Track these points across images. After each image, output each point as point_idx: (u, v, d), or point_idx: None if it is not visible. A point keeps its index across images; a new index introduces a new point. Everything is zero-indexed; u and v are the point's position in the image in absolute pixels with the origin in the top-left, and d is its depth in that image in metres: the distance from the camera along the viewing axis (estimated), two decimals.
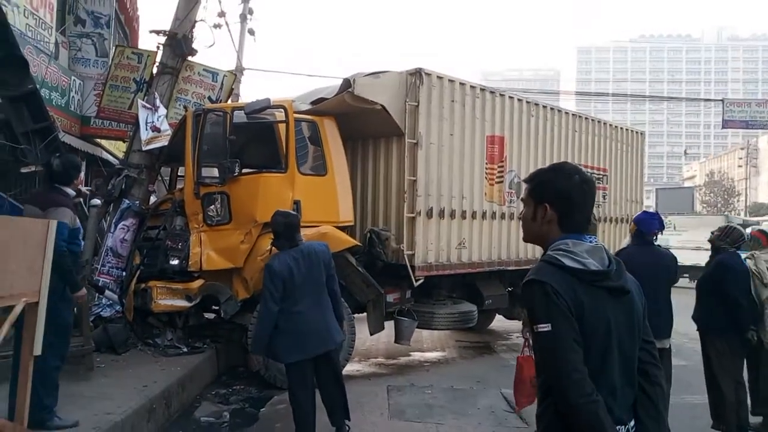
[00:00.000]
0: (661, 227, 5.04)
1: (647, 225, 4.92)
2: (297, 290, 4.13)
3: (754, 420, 5.02)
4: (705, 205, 53.01)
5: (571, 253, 1.73)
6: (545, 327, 1.64)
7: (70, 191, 4.18)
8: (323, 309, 4.30)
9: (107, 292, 6.36)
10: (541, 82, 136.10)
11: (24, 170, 6.49)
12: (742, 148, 51.40)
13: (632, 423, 1.76)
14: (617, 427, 1.66)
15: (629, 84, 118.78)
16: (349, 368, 6.72)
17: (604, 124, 10.42)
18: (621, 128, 10.81)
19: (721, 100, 19.85)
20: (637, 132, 11.24)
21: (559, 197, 1.80)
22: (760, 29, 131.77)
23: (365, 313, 7.02)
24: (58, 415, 3.83)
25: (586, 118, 9.96)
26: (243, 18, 17.69)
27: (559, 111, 9.35)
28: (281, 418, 5.06)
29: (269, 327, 4.10)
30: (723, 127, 20.09)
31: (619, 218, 10.48)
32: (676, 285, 5.04)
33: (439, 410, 5.41)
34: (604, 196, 10.21)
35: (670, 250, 6.62)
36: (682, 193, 45.56)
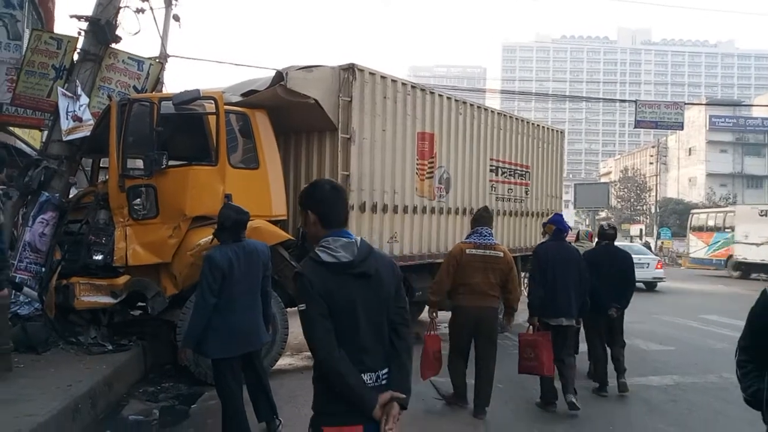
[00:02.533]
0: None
1: (563, 225, 6.05)
2: (234, 286, 4.13)
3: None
4: (619, 200, 56.14)
5: (329, 249, 2.25)
6: (302, 307, 2.22)
7: None
8: (255, 309, 4.33)
9: (25, 289, 6.07)
10: (468, 79, 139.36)
11: None
12: (653, 146, 54.67)
13: (385, 370, 2.29)
14: (369, 374, 2.24)
15: (551, 83, 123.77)
16: (282, 362, 6.76)
17: (527, 122, 10.90)
18: (543, 127, 11.35)
19: (635, 101, 21.16)
20: (557, 131, 11.82)
21: (316, 203, 2.33)
22: (670, 35, 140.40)
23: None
24: None
25: (510, 117, 10.39)
26: (168, 3, 17.07)
27: (486, 109, 9.71)
28: (212, 414, 5.01)
29: (204, 320, 4.07)
30: (635, 127, 21.41)
31: (540, 212, 11.00)
32: None
33: None
34: (526, 192, 10.69)
35: None
36: (598, 189, 47.96)
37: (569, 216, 72.98)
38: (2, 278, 4.21)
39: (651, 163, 54.36)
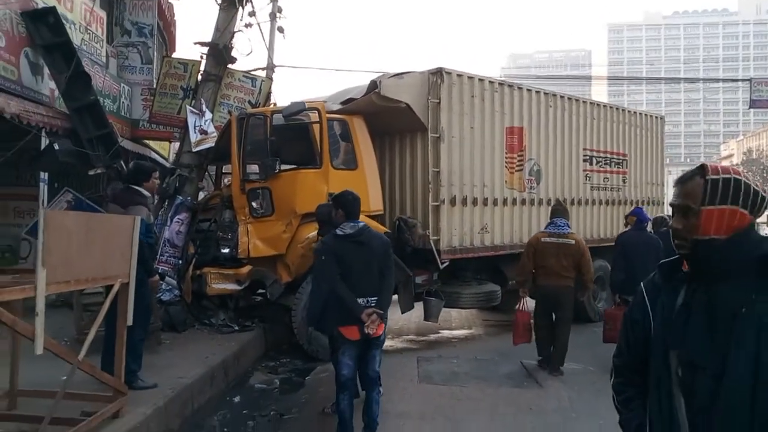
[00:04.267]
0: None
1: (643, 216, 6.99)
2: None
3: None
4: None
5: (342, 228, 4.13)
6: (323, 257, 4.16)
7: (146, 192, 4.94)
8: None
9: (167, 279, 7.15)
10: (572, 63, 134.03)
11: (91, 172, 7.35)
12: None
13: (374, 297, 4.08)
14: (362, 298, 4.03)
15: (663, 63, 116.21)
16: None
17: (623, 110, 10.80)
18: (639, 114, 11.18)
19: (749, 80, 19.77)
20: (655, 117, 11.56)
21: (342, 204, 4.23)
22: None
23: (396, 294, 7.70)
24: (141, 378, 4.61)
25: (604, 106, 10.38)
26: (272, 17, 18.32)
27: (577, 100, 9.78)
28: (324, 384, 5.78)
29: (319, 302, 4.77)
30: (750, 107, 20.00)
31: (640, 200, 10.86)
32: None
33: (463, 376, 6.07)
34: (624, 180, 10.61)
35: None
36: None
37: None
38: (153, 267, 5.15)
39: None
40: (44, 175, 8.06)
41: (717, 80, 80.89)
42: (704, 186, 1.57)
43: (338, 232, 4.15)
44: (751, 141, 64.80)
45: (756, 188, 1.57)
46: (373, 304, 4.07)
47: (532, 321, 6.61)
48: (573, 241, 6.28)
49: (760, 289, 1.47)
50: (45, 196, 8.30)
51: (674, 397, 1.55)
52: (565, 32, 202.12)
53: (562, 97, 9.52)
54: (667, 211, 17.32)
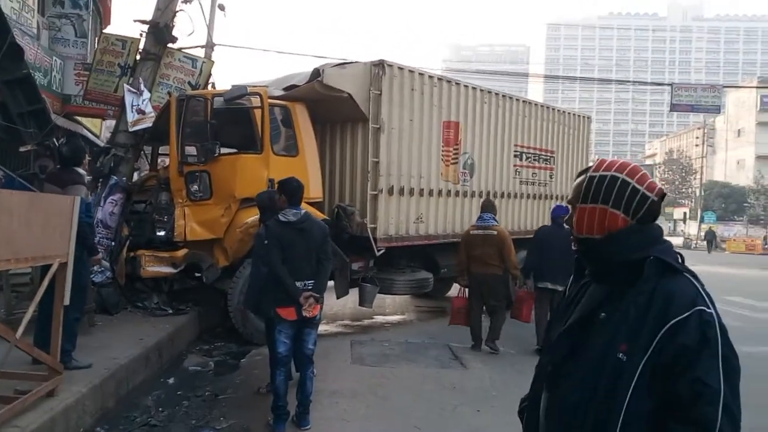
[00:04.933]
0: (566, 213, 7.09)
1: (557, 212, 7.28)
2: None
3: None
4: (663, 183, 55.24)
5: (285, 215, 4.36)
6: (266, 242, 4.31)
7: (82, 171, 4.91)
8: None
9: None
10: (512, 58, 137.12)
11: (22, 149, 7.14)
12: (699, 128, 53.38)
13: (312, 281, 4.35)
14: (300, 282, 4.27)
15: (597, 61, 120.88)
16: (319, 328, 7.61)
17: (553, 109, 11.38)
18: (568, 113, 11.80)
19: (670, 85, 21.11)
20: (583, 116, 12.23)
21: (287, 193, 4.40)
22: (724, 10, 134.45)
23: (333, 280, 7.90)
24: (75, 358, 4.63)
25: (535, 104, 10.89)
26: None
27: (511, 98, 10.23)
28: (259, 367, 5.93)
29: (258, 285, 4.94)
30: (670, 110, 21.35)
31: (565, 195, 11.49)
32: None
33: (394, 359, 6.39)
34: (551, 176, 11.20)
35: None
36: None
37: None
38: (94, 246, 5.13)
39: (697, 145, 53.14)
40: None
41: (644, 83, 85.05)
42: (583, 183, 1.53)
43: (281, 218, 4.38)
44: (673, 142, 68.69)
45: (637, 187, 1.47)
46: (310, 287, 4.33)
47: (465, 305, 7.21)
48: (495, 232, 6.99)
49: (623, 297, 1.43)
50: None
51: (541, 392, 1.58)
52: (508, 26, 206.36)
53: (497, 94, 9.93)
54: None
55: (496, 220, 7.26)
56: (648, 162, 64.11)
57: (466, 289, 7.24)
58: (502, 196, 9.93)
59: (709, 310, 1.36)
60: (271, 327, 5.06)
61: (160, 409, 4.78)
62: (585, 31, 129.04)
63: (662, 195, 1.50)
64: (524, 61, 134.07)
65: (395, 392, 5.27)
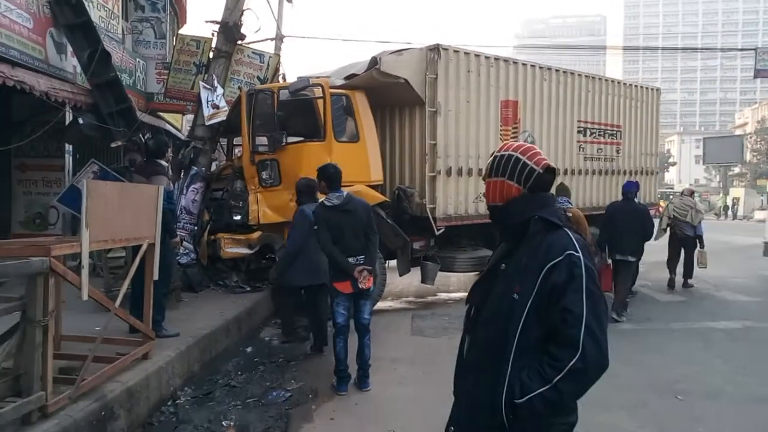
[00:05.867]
0: (637, 189, 8.22)
1: (627, 187, 7.95)
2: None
3: None
4: (755, 154, 51.69)
5: (329, 199, 4.77)
6: (315, 227, 4.80)
7: (164, 163, 5.52)
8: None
9: (184, 243, 7.79)
10: (587, 29, 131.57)
11: (113, 145, 7.94)
12: None
13: (362, 256, 4.73)
14: (352, 258, 4.69)
15: (681, 28, 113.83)
16: (381, 305, 8.06)
17: (618, 83, 11.17)
18: (635, 86, 11.52)
19: (755, 50, 19.81)
20: (651, 89, 11.89)
21: (326, 179, 4.86)
22: None
23: (395, 259, 8.30)
24: (165, 328, 5.27)
25: (599, 79, 10.74)
26: None
27: (572, 74, 10.16)
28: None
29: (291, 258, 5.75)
30: (754, 77, 20.07)
31: (633, 171, 11.30)
32: None
33: (452, 330, 6.69)
34: (617, 151, 11.04)
35: None
36: (730, 142, 44.50)
37: (698, 172, 68.12)
38: (174, 229, 5.77)
39: None
40: (69, 148, 8.67)
41: (731, 50, 79.35)
42: (490, 161, 1.89)
43: (326, 203, 4.80)
44: (766, 109, 63.93)
45: (526, 162, 1.78)
46: (361, 262, 4.73)
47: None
48: (570, 214, 7.33)
49: (518, 249, 1.78)
50: (70, 166, 8.94)
51: (464, 337, 1.95)
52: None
53: (557, 70, 9.90)
54: (666, 180, 17.71)
55: (570, 203, 7.79)
56: (738, 132, 60.03)
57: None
58: (566, 172, 9.94)
59: (576, 254, 1.67)
60: (310, 298, 5.77)
61: (239, 372, 5.36)
62: None
63: (548, 168, 1.81)
64: (601, 32, 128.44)
65: (450, 360, 5.56)
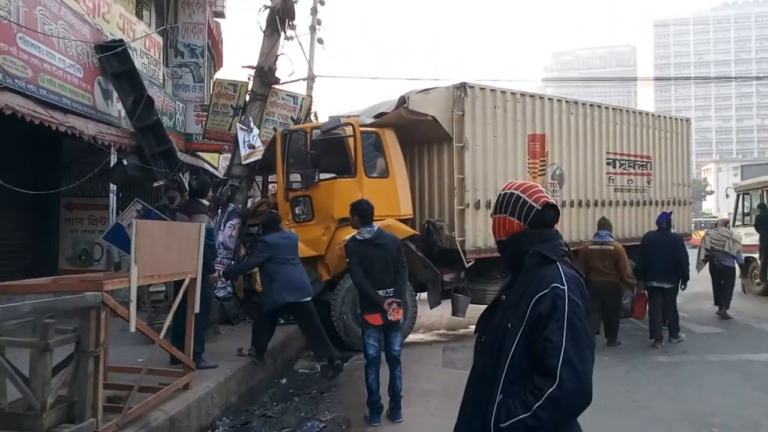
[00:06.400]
0: (669, 219, 8.54)
1: (659, 218, 8.49)
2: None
3: None
4: None
5: (360, 233, 4.99)
6: (347, 260, 5.01)
7: (206, 202, 5.82)
8: None
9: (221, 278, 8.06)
10: (617, 60, 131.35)
11: (155, 184, 8.34)
12: None
13: (391, 288, 4.89)
14: (382, 290, 4.85)
15: (713, 56, 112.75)
16: (413, 337, 8.15)
17: (647, 114, 11.23)
18: (664, 117, 11.55)
19: None
20: (680, 119, 11.90)
21: (358, 214, 5.02)
22: None
23: (425, 292, 8.41)
24: (204, 359, 5.48)
25: (627, 111, 10.83)
26: (312, 29, 19.23)
27: (599, 107, 10.27)
28: (359, 369, 6.47)
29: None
30: None
31: (665, 201, 11.23)
32: None
33: None
34: (648, 182, 11.01)
35: None
36: None
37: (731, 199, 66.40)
38: (213, 265, 6.04)
39: None
40: (114, 187, 9.13)
41: (763, 78, 78.04)
42: (496, 199, 2.03)
43: (358, 237, 5.01)
44: None
45: (526, 200, 1.91)
46: (391, 294, 4.88)
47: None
48: (612, 248, 7.85)
49: (515, 281, 1.91)
50: (114, 205, 9.39)
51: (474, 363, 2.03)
52: (609, 28, 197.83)
53: (583, 104, 10.04)
54: (704, 209, 17.46)
55: (611, 236, 8.11)
56: None
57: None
58: (595, 204, 9.97)
59: (562, 287, 1.77)
60: (299, 317, 6.13)
61: (275, 403, 5.52)
62: (697, 26, 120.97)
63: (546, 205, 1.92)
64: (631, 62, 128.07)
65: None
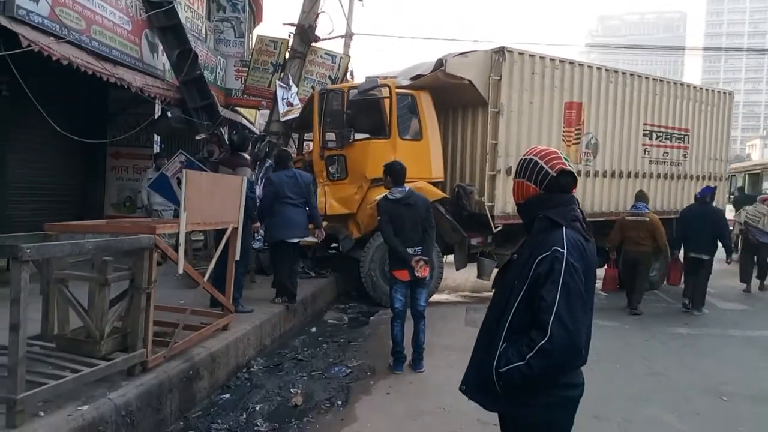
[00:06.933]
0: (712, 195, 8.83)
1: (702, 192, 8.72)
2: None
3: None
4: None
5: (392, 193, 5.19)
6: (379, 217, 5.23)
7: (247, 156, 6.10)
8: None
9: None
10: (665, 26, 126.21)
11: (197, 137, 8.66)
12: None
13: (419, 247, 5.13)
14: (411, 248, 5.09)
15: None
16: (438, 297, 8.44)
17: (688, 86, 10.99)
18: (706, 90, 11.29)
19: None
20: (723, 92, 11.62)
21: (391, 175, 5.20)
22: None
23: (452, 254, 8.64)
24: (241, 304, 5.84)
25: (668, 82, 10.63)
26: None
27: (639, 76, 10.11)
28: (385, 323, 6.77)
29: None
30: None
31: (702, 176, 11.10)
32: None
33: None
34: (684, 155, 10.88)
35: None
36: None
37: None
38: (255, 215, 6.34)
39: None
40: (157, 138, 9.49)
41: None
42: (517, 164, 2.14)
43: (389, 196, 5.21)
44: None
45: (542, 166, 2.02)
46: (419, 252, 5.11)
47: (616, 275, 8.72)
48: (648, 219, 8.21)
49: (528, 242, 2.05)
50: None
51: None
52: None
53: (623, 73, 9.90)
54: (735, 184, 17.17)
55: (647, 208, 8.42)
56: None
57: (613, 260, 8.75)
58: (629, 175, 9.94)
59: (561, 251, 1.89)
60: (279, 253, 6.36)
61: (305, 348, 5.89)
62: None
63: (561, 171, 2.02)
64: (680, 30, 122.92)
65: None
